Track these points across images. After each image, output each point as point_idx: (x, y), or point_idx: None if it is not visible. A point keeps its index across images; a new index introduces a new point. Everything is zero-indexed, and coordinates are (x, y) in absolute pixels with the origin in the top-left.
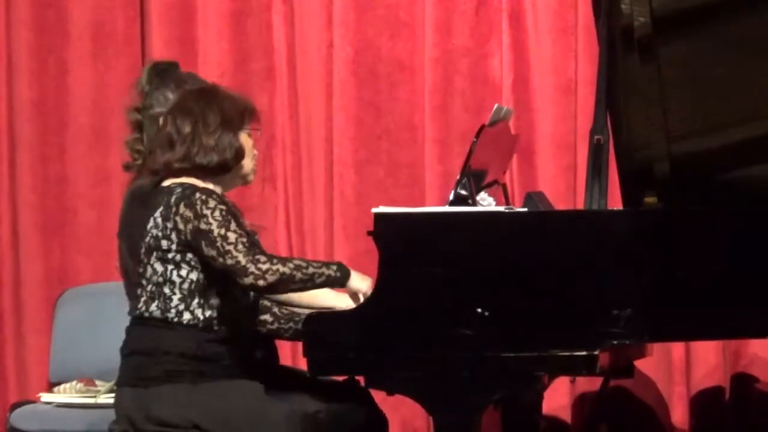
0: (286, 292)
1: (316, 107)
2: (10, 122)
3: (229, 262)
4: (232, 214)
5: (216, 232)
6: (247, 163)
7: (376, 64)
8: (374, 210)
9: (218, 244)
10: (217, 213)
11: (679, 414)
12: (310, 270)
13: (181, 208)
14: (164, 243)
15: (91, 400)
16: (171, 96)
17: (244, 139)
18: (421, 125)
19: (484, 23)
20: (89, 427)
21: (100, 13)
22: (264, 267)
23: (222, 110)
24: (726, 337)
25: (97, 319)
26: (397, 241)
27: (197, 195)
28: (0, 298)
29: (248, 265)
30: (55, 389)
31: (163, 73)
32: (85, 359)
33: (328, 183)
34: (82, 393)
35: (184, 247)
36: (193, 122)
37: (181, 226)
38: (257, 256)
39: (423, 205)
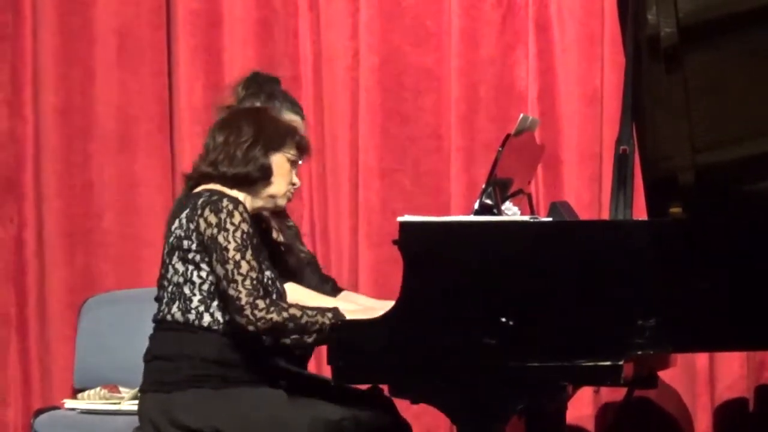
0: (278, 339)
1: (341, 115)
2: (35, 128)
3: (231, 292)
4: (252, 239)
5: (231, 253)
6: (279, 185)
7: (402, 73)
8: (399, 218)
9: (229, 266)
10: (238, 234)
11: (702, 425)
12: (303, 320)
13: (206, 212)
14: (186, 243)
15: (115, 407)
16: (258, 105)
17: (279, 160)
18: (447, 134)
19: (510, 33)
20: None
21: (125, 19)
22: (258, 314)
23: (259, 126)
24: (750, 348)
25: (121, 325)
26: (422, 249)
27: (224, 202)
28: (25, 305)
29: (245, 307)
30: (80, 395)
31: (262, 84)
32: (110, 365)
33: (353, 191)
34: (106, 399)
35: (204, 248)
36: (227, 133)
37: (202, 228)
38: (257, 301)
39: (448, 214)
